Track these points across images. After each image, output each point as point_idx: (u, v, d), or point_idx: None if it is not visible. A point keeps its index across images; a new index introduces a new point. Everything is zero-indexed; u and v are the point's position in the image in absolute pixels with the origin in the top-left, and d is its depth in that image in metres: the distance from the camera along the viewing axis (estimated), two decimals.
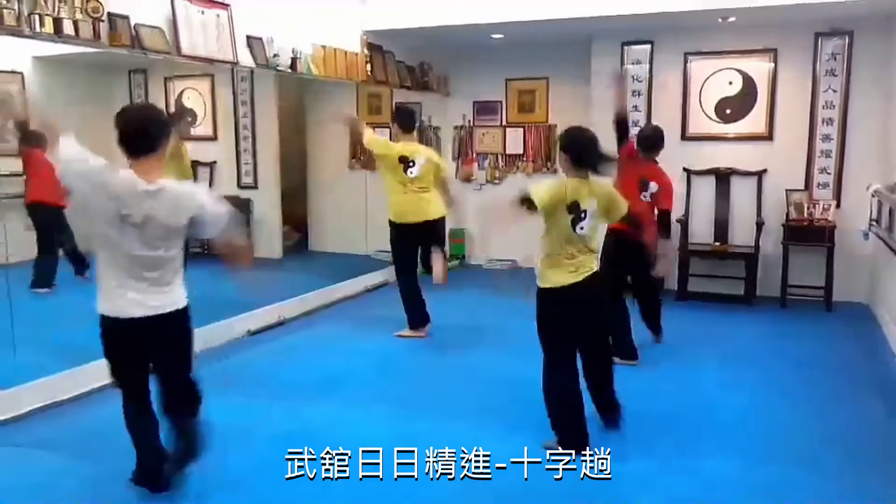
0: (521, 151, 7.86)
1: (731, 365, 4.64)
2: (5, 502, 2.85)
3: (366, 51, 6.59)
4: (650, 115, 6.65)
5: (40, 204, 5.63)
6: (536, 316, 3.26)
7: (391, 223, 5.12)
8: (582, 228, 3.17)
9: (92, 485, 3.00)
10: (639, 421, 3.68)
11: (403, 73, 7.23)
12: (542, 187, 3.14)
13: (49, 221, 5.65)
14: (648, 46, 6.61)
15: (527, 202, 3.09)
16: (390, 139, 5.19)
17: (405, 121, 5.11)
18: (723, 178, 6.47)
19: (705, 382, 4.30)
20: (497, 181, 7.99)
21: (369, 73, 6.63)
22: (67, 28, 3.90)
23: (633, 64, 6.68)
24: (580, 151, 3.20)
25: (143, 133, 2.64)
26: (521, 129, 7.83)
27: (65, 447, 3.36)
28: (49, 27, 3.79)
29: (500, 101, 7.87)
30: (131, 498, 2.89)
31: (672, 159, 6.54)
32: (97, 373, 4.04)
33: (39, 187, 5.60)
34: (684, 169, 6.56)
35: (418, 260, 5.23)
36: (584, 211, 3.16)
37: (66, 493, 2.93)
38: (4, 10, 3.55)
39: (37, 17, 3.74)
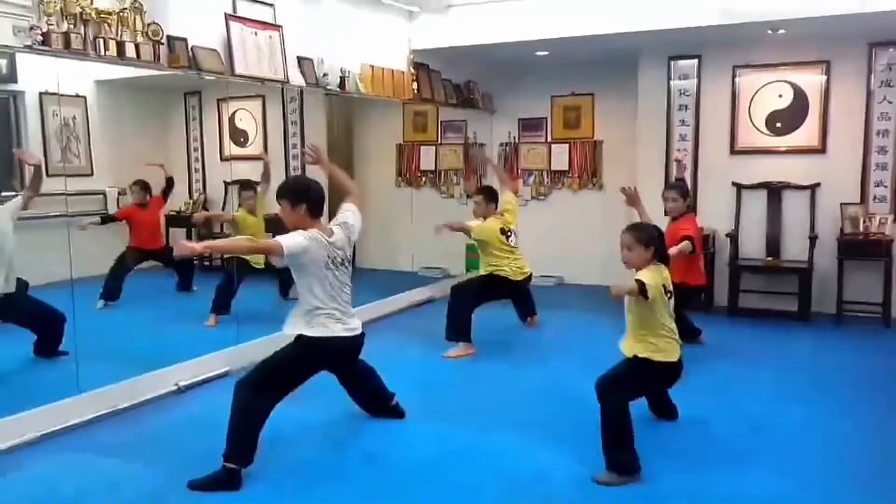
0: (566, 168, 7.85)
1: (786, 381, 4.53)
2: None
3: (412, 69, 6.70)
4: (698, 129, 6.60)
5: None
6: (639, 381, 3.38)
7: (490, 273, 5.43)
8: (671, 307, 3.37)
9: (151, 491, 3.08)
10: (690, 437, 3.63)
11: (449, 91, 7.32)
12: (649, 278, 3.22)
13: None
14: (696, 61, 6.56)
15: (641, 290, 3.17)
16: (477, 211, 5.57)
17: (495, 197, 5.60)
18: (774, 192, 6.36)
19: (758, 399, 4.20)
20: (542, 197, 8.00)
21: (415, 91, 6.73)
22: (129, 51, 4.07)
23: (680, 79, 6.64)
24: (659, 246, 3.35)
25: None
26: (567, 146, 7.83)
27: (125, 453, 3.46)
28: (113, 50, 3.96)
29: (546, 118, 7.89)
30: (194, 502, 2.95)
31: (721, 173, 6.50)
32: (155, 382, 4.22)
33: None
34: (733, 183, 6.48)
35: (514, 311, 5.91)
36: (671, 293, 3.36)
37: (127, 499, 3.00)
38: (72, 35, 3.73)
39: (101, 40, 3.91)
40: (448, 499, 3.00)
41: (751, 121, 6.43)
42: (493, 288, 5.42)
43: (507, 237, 5.41)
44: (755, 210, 6.44)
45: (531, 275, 5.62)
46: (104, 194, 7.49)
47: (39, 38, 3.59)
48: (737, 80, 6.44)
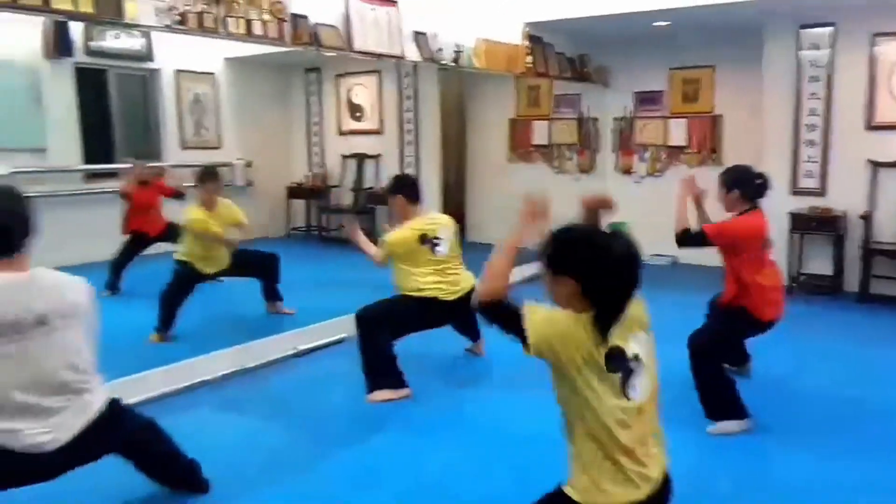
0: (684, 143, 7.58)
1: None
2: (206, 457, 3.15)
3: (526, 43, 6.64)
4: (829, 102, 6.18)
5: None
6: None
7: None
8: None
9: (281, 444, 3.29)
10: (814, 424, 3.48)
11: (563, 65, 7.21)
12: None
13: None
14: (829, 29, 6.13)
15: None
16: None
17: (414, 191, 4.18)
18: None
19: (888, 388, 3.95)
20: (658, 174, 7.77)
21: (529, 65, 6.67)
22: (257, 28, 4.28)
23: (810, 49, 6.24)
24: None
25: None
26: (685, 120, 7.55)
27: (256, 409, 3.71)
28: (242, 28, 4.18)
29: (663, 91, 7.62)
30: (317, 456, 3.14)
31: (855, 150, 6.09)
32: (279, 345, 4.47)
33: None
34: (869, 160, 6.05)
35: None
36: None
37: (262, 451, 3.21)
38: (205, 14, 3.96)
39: (231, 19, 4.13)
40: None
41: (891, 93, 5.96)
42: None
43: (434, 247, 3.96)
44: (892, 190, 5.99)
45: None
46: (232, 166, 7.96)
47: (177, 17, 3.84)
48: (876, 49, 5.97)
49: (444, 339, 4.44)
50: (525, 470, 2.92)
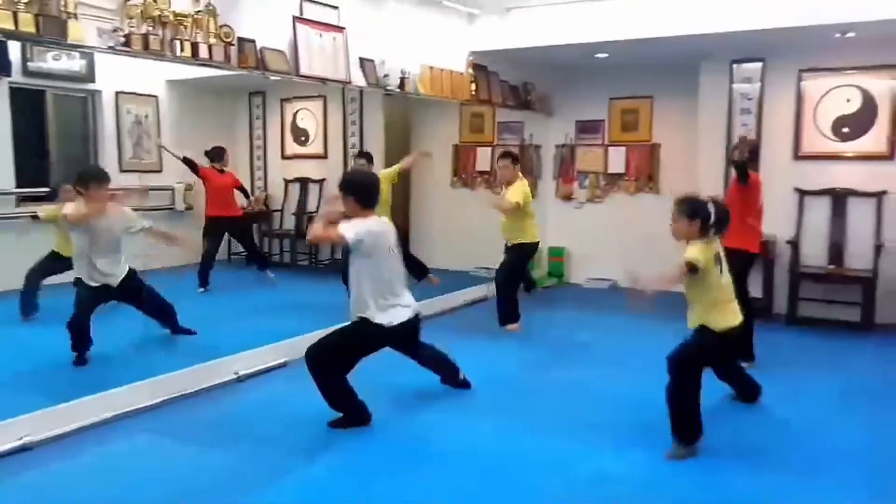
0: (622, 170, 7.81)
1: (848, 395, 4.40)
2: (145, 487, 3.06)
3: (471, 71, 6.76)
4: (760, 133, 6.48)
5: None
6: (704, 347, 3.49)
7: (529, 244, 6.08)
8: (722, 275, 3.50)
9: (225, 472, 3.23)
10: (748, 450, 3.60)
11: (507, 93, 7.36)
12: (697, 251, 3.34)
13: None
14: (760, 64, 6.45)
15: (690, 267, 3.33)
16: None
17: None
18: (839, 198, 6.21)
19: (818, 412, 4.10)
20: (598, 200, 7.97)
21: (473, 92, 6.79)
22: (203, 52, 4.25)
23: (742, 82, 6.54)
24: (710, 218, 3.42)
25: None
26: (624, 149, 7.79)
27: (195, 436, 3.62)
28: (188, 51, 4.15)
29: (603, 120, 7.86)
30: (261, 484, 3.09)
31: (783, 179, 6.38)
32: (220, 370, 4.39)
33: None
34: (796, 189, 6.35)
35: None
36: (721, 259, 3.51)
37: (202, 479, 3.14)
38: (151, 36, 3.92)
39: (178, 42, 4.10)
40: (509, 498, 3.05)
41: (816, 126, 6.29)
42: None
43: None
44: (818, 217, 6.29)
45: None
46: (172, 189, 7.82)
47: (122, 39, 3.79)
48: (802, 83, 6.31)
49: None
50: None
